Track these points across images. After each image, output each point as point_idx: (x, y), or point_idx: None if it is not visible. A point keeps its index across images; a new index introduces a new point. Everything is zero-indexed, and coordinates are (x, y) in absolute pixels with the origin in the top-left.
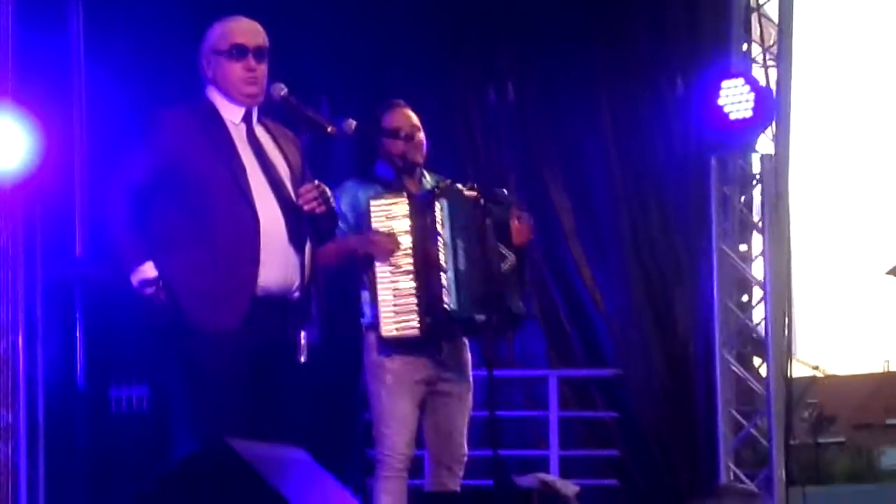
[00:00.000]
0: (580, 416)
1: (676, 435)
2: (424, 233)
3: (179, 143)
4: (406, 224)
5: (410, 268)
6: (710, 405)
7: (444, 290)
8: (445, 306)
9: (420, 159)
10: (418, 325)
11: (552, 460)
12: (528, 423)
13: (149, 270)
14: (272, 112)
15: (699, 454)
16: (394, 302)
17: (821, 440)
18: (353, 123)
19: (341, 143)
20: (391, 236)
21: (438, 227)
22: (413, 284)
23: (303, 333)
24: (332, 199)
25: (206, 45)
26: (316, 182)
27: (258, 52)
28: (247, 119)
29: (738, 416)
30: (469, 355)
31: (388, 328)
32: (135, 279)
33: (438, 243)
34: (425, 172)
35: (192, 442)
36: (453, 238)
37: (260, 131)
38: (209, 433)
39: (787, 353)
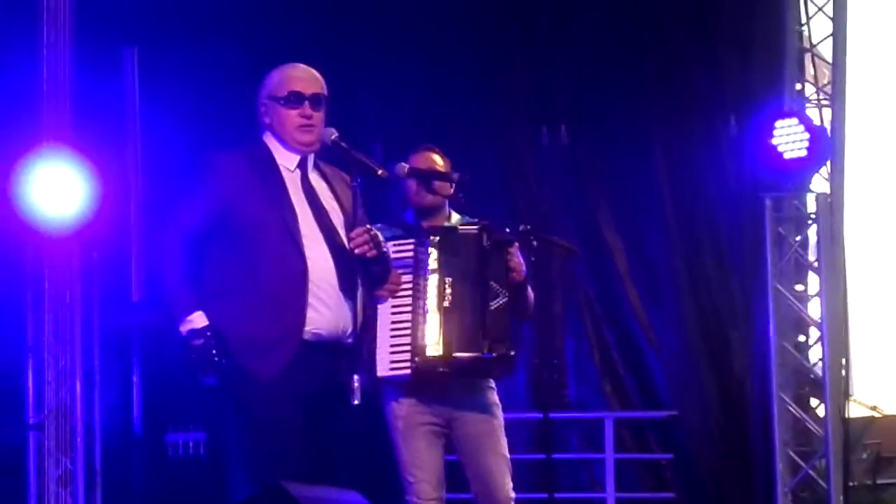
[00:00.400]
0: (636, 459)
1: (733, 476)
2: (418, 273)
3: (234, 188)
4: (409, 265)
5: (408, 308)
6: (767, 446)
7: (426, 330)
8: (428, 347)
9: (433, 203)
10: (409, 366)
11: (609, 502)
12: (584, 465)
13: (197, 320)
14: (326, 155)
15: (756, 496)
16: (390, 343)
17: (879, 481)
18: (405, 167)
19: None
20: (397, 276)
21: (429, 266)
22: (408, 325)
23: (356, 377)
24: (383, 244)
25: (263, 92)
26: (368, 226)
27: (315, 100)
28: (302, 166)
29: (796, 458)
30: (492, 394)
31: (382, 369)
32: (183, 329)
33: (428, 283)
34: (453, 213)
35: (248, 486)
36: (442, 277)
37: (315, 177)
38: (265, 477)
39: (845, 394)
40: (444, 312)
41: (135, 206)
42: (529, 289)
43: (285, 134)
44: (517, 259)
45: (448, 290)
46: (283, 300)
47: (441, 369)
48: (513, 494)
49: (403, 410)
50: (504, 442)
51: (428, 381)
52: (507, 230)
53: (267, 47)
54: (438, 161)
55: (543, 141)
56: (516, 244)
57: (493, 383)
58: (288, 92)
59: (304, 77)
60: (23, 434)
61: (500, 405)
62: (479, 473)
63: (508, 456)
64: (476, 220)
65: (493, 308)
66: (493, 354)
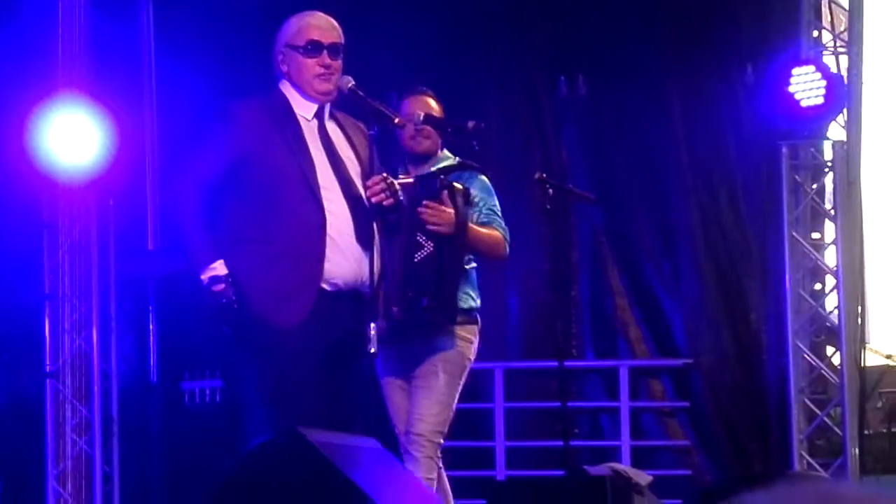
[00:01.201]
0: (651, 406)
1: (749, 425)
2: None
3: (252, 136)
4: None
5: None
6: (782, 395)
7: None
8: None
9: (428, 149)
10: None
11: (623, 450)
12: (603, 413)
13: (219, 268)
14: (342, 104)
15: (772, 444)
16: None
17: (894, 429)
18: (420, 115)
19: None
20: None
21: None
22: None
23: (372, 325)
24: (399, 192)
25: (280, 40)
26: (384, 174)
27: (333, 49)
28: (319, 115)
29: (812, 406)
30: (447, 340)
31: None
32: (205, 276)
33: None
34: (445, 153)
35: (265, 433)
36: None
37: (331, 127)
38: (282, 424)
39: (861, 342)
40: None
41: (150, 155)
42: (486, 231)
43: (303, 83)
44: (436, 210)
45: (383, 240)
46: (301, 251)
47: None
48: (433, 434)
49: (378, 365)
50: (439, 384)
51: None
52: (442, 177)
53: None
54: (433, 105)
55: (561, 91)
56: (445, 193)
57: (449, 328)
58: (307, 41)
59: (323, 25)
60: (40, 382)
61: (454, 349)
62: (408, 412)
63: (445, 401)
64: (462, 161)
65: (416, 260)
66: (414, 307)
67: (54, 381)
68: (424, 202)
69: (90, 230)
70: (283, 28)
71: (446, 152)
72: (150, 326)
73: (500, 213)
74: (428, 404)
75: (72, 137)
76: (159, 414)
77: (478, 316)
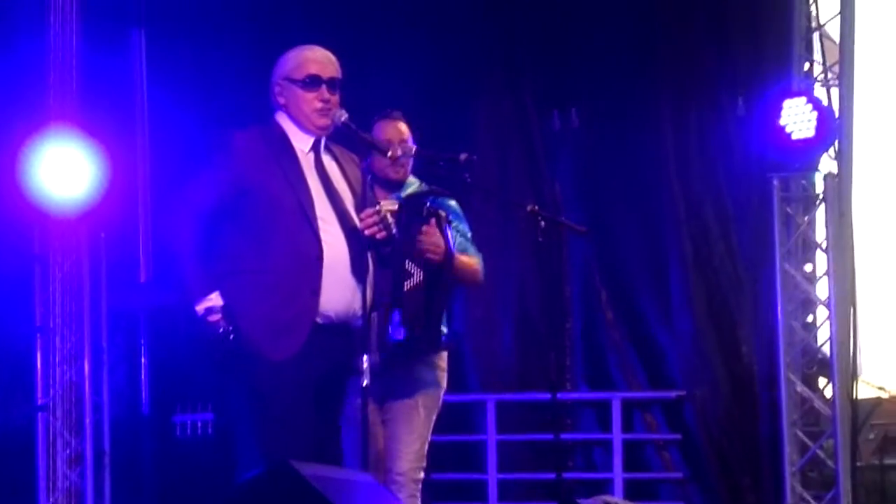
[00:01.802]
0: (644, 439)
1: (741, 457)
2: None
3: (250, 167)
4: None
5: None
6: (774, 427)
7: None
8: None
9: (403, 176)
10: None
11: (616, 483)
12: (592, 446)
13: (215, 299)
14: (334, 135)
15: (764, 476)
16: None
17: (887, 461)
18: (412, 148)
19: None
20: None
21: None
22: None
23: (365, 357)
24: (392, 224)
25: (279, 72)
26: (377, 207)
27: (331, 84)
28: (315, 147)
29: (804, 438)
30: (425, 371)
31: None
32: (200, 307)
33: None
34: (409, 182)
35: (257, 466)
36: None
37: (327, 159)
38: (273, 457)
39: (853, 374)
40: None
41: (142, 187)
42: (466, 259)
43: (301, 116)
44: (432, 238)
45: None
46: (296, 283)
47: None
48: (414, 471)
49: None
50: (419, 419)
51: None
52: (428, 204)
53: (275, 26)
54: (404, 129)
55: (554, 123)
56: (433, 220)
57: (429, 359)
58: (306, 75)
59: (322, 60)
60: (31, 414)
61: (433, 382)
62: (385, 447)
63: (425, 435)
64: (431, 187)
65: (406, 289)
66: (403, 337)
67: (46, 414)
68: (424, 228)
69: (82, 262)
70: (281, 61)
71: (412, 177)
72: (142, 359)
73: (471, 239)
74: (409, 440)
75: (63, 170)
76: (151, 446)
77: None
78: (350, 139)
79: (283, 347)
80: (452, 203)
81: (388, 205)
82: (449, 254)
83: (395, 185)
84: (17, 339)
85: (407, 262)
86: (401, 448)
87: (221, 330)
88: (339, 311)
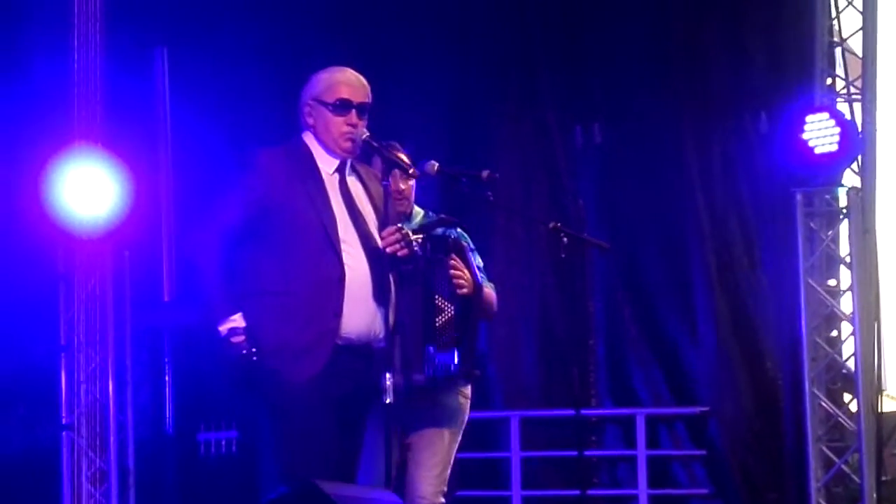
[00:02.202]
0: (669, 455)
1: (766, 472)
2: None
3: (275, 186)
4: None
5: None
6: (799, 442)
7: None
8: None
9: (406, 208)
10: None
11: (641, 499)
12: (617, 462)
13: (238, 321)
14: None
15: (789, 492)
16: None
17: None
18: (435, 165)
19: (427, 185)
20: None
21: None
22: None
23: (388, 375)
24: (414, 243)
25: (309, 93)
26: (399, 225)
27: (361, 108)
28: (340, 169)
29: (829, 453)
30: (444, 398)
31: None
32: (223, 328)
33: None
34: (415, 212)
35: (280, 484)
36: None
37: (351, 180)
38: (297, 476)
39: (878, 388)
40: (396, 329)
41: (166, 206)
42: (486, 290)
43: (329, 139)
44: (460, 270)
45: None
46: (318, 305)
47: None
48: (435, 494)
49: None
50: (444, 446)
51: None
52: (452, 236)
53: (297, 44)
54: (404, 157)
55: (577, 140)
56: (453, 255)
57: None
58: (337, 98)
59: (354, 84)
60: (56, 434)
61: (458, 409)
62: (408, 470)
63: (447, 460)
64: (440, 216)
65: (438, 325)
66: (453, 374)
67: (70, 433)
68: (452, 263)
69: (106, 282)
70: (312, 81)
71: (417, 208)
72: (166, 378)
73: (482, 269)
74: (432, 464)
75: (88, 189)
76: (175, 465)
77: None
78: (372, 156)
79: (304, 369)
80: (462, 233)
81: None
82: (477, 285)
83: (401, 218)
84: (41, 359)
85: (437, 297)
86: (423, 473)
87: (245, 351)
88: (360, 333)
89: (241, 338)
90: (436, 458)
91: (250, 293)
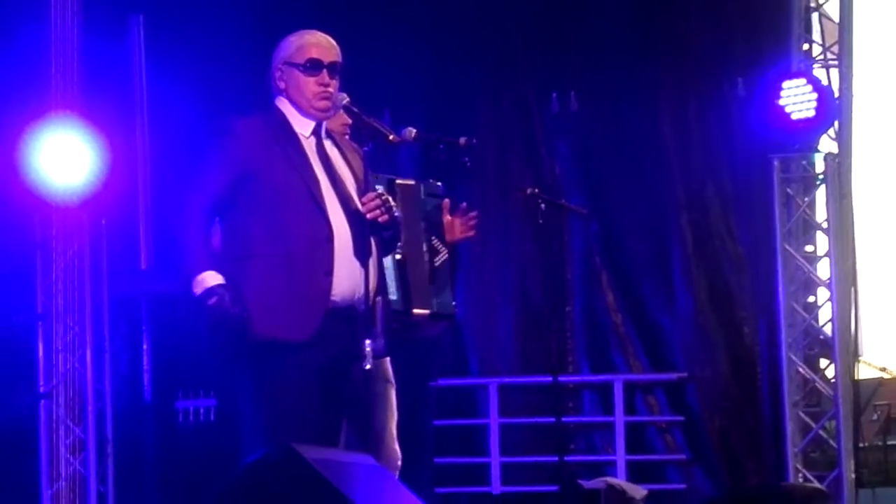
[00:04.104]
0: (646, 421)
1: (744, 438)
2: None
3: (255, 153)
4: None
5: None
6: (776, 407)
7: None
8: (387, 297)
9: None
10: None
11: (619, 465)
12: (595, 428)
13: (210, 278)
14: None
15: (767, 457)
16: None
17: (890, 442)
18: (412, 131)
19: (404, 152)
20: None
21: None
22: None
23: (367, 341)
24: (394, 208)
25: (279, 57)
26: (379, 190)
27: (332, 68)
28: (316, 132)
29: (806, 418)
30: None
31: None
32: (197, 289)
33: None
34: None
35: (261, 450)
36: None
37: (328, 144)
38: (279, 441)
39: (854, 354)
40: (397, 266)
41: (142, 174)
42: None
43: (302, 100)
44: (454, 217)
45: (399, 244)
46: (309, 264)
47: (395, 324)
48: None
49: None
50: (392, 405)
51: None
52: (439, 183)
53: (274, 12)
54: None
55: (553, 107)
56: (447, 200)
57: None
58: (307, 59)
59: (323, 44)
60: (33, 403)
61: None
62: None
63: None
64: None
65: (436, 264)
66: (445, 312)
67: (48, 402)
68: (460, 210)
69: (83, 250)
70: (281, 45)
71: None
72: (144, 346)
73: None
74: (390, 416)
75: (64, 158)
76: (153, 433)
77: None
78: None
79: (298, 331)
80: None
81: (402, 181)
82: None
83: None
84: (18, 328)
85: (434, 239)
86: (392, 429)
87: (223, 308)
88: (345, 295)
89: (215, 298)
90: (392, 411)
91: (235, 258)
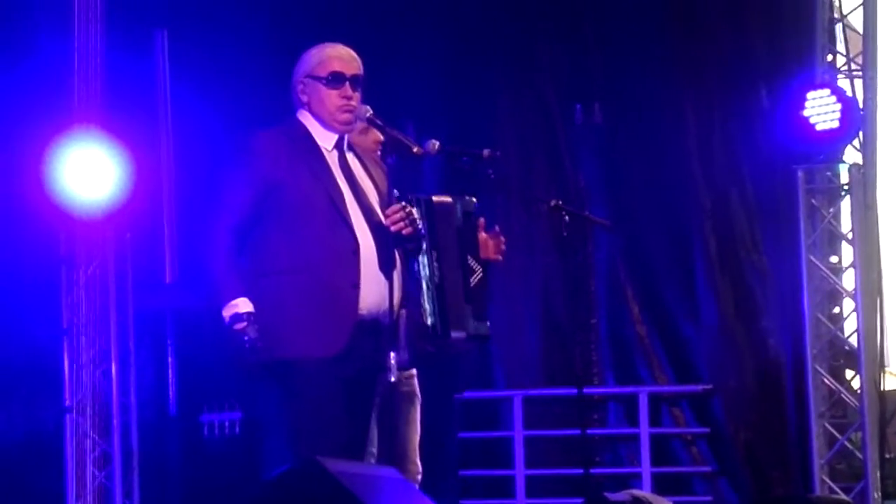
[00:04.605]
0: (671, 433)
1: (769, 450)
2: None
3: (278, 167)
4: None
5: None
6: (802, 419)
7: (422, 305)
8: (424, 322)
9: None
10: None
11: (644, 477)
12: (621, 441)
13: (241, 305)
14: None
15: (793, 469)
16: None
17: None
18: (436, 144)
19: (428, 164)
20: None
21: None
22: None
23: (392, 354)
24: (417, 221)
25: (301, 70)
26: (403, 203)
27: (354, 81)
28: (339, 145)
29: (832, 430)
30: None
31: None
32: (227, 313)
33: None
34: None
35: (286, 463)
36: (429, 249)
37: (350, 157)
38: (304, 453)
39: (880, 365)
40: (435, 289)
41: (167, 188)
42: None
43: (325, 113)
44: (487, 235)
45: (436, 264)
46: (336, 278)
47: (430, 348)
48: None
49: None
50: (417, 420)
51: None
52: (474, 200)
53: (296, 25)
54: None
55: (577, 118)
56: (482, 218)
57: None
58: (329, 72)
59: (345, 57)
60: (60, 417)
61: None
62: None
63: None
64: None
65: (472, 284)
66: (481, 333)
67: (74, 416)
68: (494, 232)
69: (107, 264)
70: (303, 58)
71: None
72: (169, 359)
73: None
74: (414, 430)
75: (88, 172)
76: (179, 447)
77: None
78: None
79: (327, 345)
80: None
81: (438, 198)
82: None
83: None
84: (43, 342)
85: (469, 258)
86: (410, 442)
87: (247, 338)
88: (371, 308)
89: (244, 324)
90: (415, 426)
91: (264, 273)
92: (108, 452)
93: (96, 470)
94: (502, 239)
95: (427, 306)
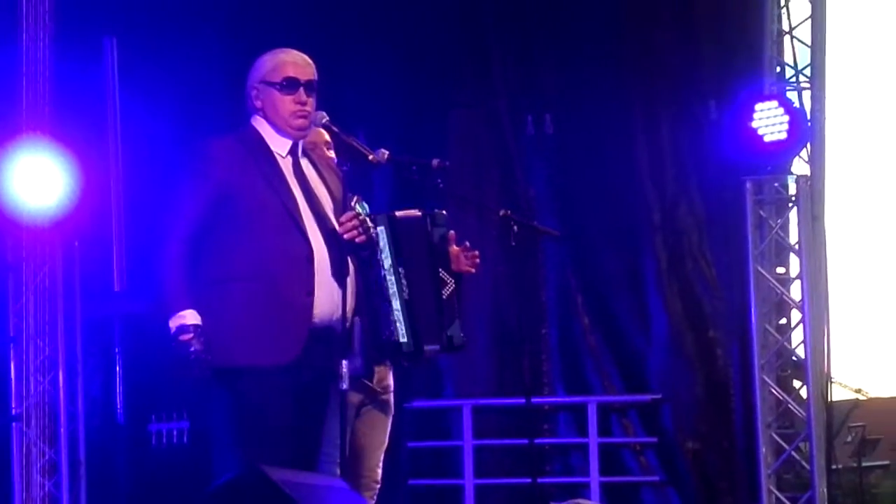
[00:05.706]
0: (620, 443)
1: (717, 459)
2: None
3: (230, 173)
4: None
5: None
6: (750, 429)
7: (393, 322)
8: (396, 340)
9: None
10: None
11: (593, 487)
12: (568, 450)
13: (189, 317)
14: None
15: (740, 478)
16: None
17: (864, 463)
18: (385, 153)
19: (378, 174)
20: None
21: (380, 255)
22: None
23: (344, 362)
24: (371, 229)
25: (255, 75)
26: (356, 211)
27: (309, 86)
28: (293, 151)
29: (780, 440)
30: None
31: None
32: (173, 324)
33: (382, 272)
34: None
35: (232, 470)
36: (395, 266)
37: (305, 163)
38: (251, 462)
39: (827, 376)
40: (405, 307)
41: (115, 196)
42: None
43: (279, 119)
44: (458, 248)
45: (404, 281)
46: (290, 285)
47: (406, 363)
48: (375, 473)
49: None
50: (383, 431)
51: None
52: (444, 213)
53: (248, 33)
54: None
55: (528, 129)
56: (452, 231)
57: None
58: (283, 77)
59: (299, 62)
60: (6, 426)
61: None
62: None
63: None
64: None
65: (444, 296)
66: (455, 344)
67: (20, 424)
68: (465, 246)
69: (55, 272)
70: (257, 64)
71: None
72: (117, 368)
73: None
74: (378, 443)
75: (36, 180)
76: (126, 456)
77: None
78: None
79: (281, 353)
80: None
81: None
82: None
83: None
84: None
85: (441, 271)
86: (370, 453)
87: (192, 349)
88: (324, 316)
89: (190, 335)
90: (385, 439)
91: (217, 281)
92: (55, 461)
93: (43, 479)
94: (476, 252)
95: (398, 324)
